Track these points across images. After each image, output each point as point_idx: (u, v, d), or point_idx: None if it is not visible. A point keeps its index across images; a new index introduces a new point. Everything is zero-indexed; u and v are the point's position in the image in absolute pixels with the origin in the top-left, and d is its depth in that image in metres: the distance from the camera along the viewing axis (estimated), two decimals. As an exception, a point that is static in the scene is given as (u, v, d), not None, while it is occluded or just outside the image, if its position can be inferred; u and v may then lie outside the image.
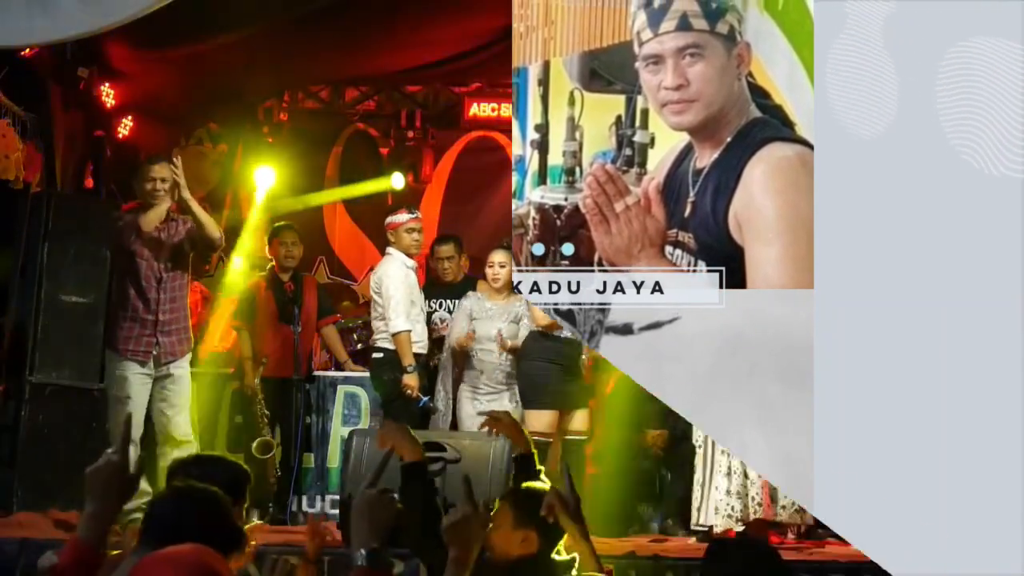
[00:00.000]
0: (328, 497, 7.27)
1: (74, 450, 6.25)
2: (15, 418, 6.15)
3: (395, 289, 6.52)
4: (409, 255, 6.74)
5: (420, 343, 6.62)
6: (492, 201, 9.42)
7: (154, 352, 6.02)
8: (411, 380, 6.43)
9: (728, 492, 5.83)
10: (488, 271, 6.57)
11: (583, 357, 6.53)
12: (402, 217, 6.81)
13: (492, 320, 6.47)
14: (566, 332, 6.31)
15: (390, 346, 6.53)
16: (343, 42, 8.07)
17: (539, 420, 6.25)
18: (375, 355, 6.70)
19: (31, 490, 6.05)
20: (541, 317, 6.24)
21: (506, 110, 9.14)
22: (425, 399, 6.49)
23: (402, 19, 7.78)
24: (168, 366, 6.05)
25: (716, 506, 5.86)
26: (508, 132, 9.44)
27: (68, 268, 6.38)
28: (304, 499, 7.29)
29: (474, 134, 9.52)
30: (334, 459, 7.32)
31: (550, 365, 6.33)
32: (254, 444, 6.74)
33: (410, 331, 6.47)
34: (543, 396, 6.31)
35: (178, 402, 6.07)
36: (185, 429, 6.09)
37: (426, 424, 6.36)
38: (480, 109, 9.16)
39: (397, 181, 9.10)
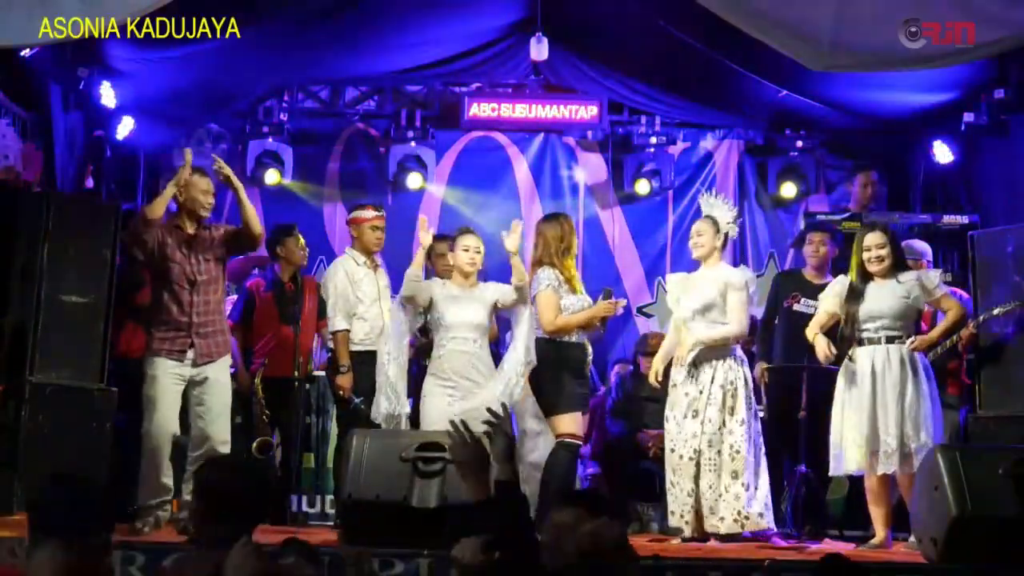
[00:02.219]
0: (327, 497, 7.27)
1: (74, 450, 6.25)
2: (15, 418, 6.15)
3: (334, 289, 6.60)
4: (370, 252, 6.76)
5: (369, 341, 6.59)
6: (492, 201, 9.42)
7: (190, 354, 5.99)
8: (343, 380, 6.48)
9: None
10: (463, 255, 6.28)
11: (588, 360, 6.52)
12: (368, 213, 6.82)
13: (461, 306, 6.19)
14: (573, 337, 6.28)
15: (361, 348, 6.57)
16: (343, 42, 8.09)
17: (563, 423, 6.12)
18: (328, 354, 6.77)
19: (31, 490, 6.05)
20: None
21: (506, 110, 9.16)
22: (358, 400, 6.42)
23: (402, 19, 7.80)
24: (205, 368, 6.00)
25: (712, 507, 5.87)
26: (508, 132, 9.54)
27: (68, 268, 6.38)
28: (304, 499, 7.29)
29: (474, 134, 9.52)
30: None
31: (562, 370, 6.20)
32: (254, 444, 6.74)
33: (346, 331, 6.52)
34: (564, 400, 6.16)
35: (216, 407, 5.99)
36: (223, 436, 5.99)
37: (361, 423, 6.18)
38: (480, 109, 9.16)
39: (414, 181, 9.13)
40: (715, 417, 5.91)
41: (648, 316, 9.29)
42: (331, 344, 7.47)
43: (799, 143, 9.11)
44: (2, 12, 5.64)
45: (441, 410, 5.91)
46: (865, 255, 6.05)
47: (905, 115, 8.31)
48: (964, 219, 7.69)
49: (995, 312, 6.34)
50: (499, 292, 6.26)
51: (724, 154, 9.54)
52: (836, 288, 6.19)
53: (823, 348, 6.04)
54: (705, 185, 9.21)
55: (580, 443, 6.26)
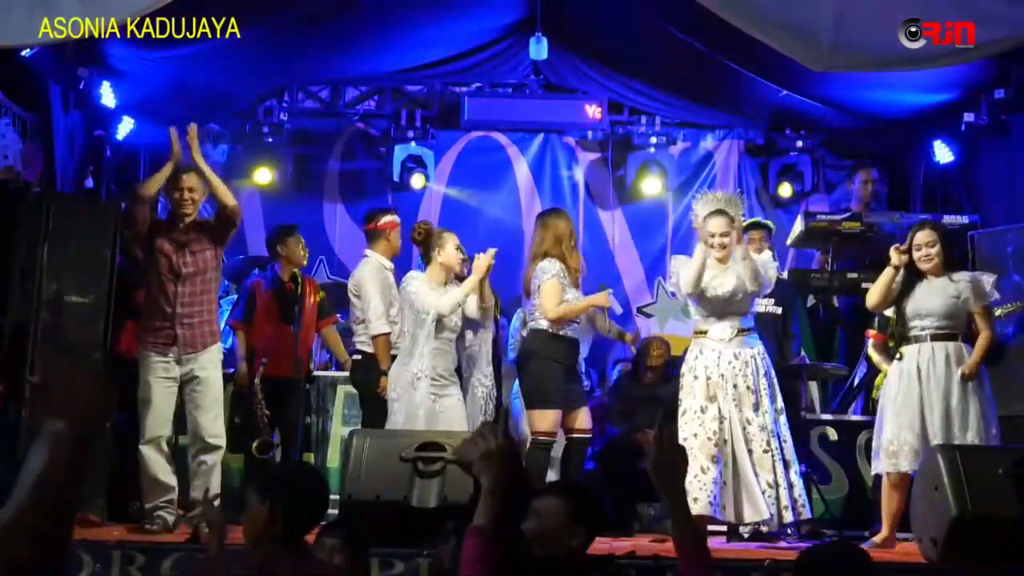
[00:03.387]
0: (328, 497, 7.26)
1: (74, 450, 6.25)
2: (15, 418, 6.15)
3: (374, 292, 6.48)
4: (393, 256, 6.74)
5: (397, 345, 6.49)
6: (492, 201, 9.43)
7: (175, 348, 6.05)
8: (387, 383, 6.38)
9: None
10: (457, 254, 6.25)
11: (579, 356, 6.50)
12: (397, 219, 6.80)
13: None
14: (567, 331, 6.27)
15: (368, 348, 6.48)
16: (343, 42, 8.09)
17: (544, 420, 6.12)
18: (354, 357, 6.67)
19: (31, 490, 6.04)
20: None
21: (506, 110, 9.16)
22: None
23: (402, 19, 7.80)
24: (194, 364, 6.06)
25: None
26: (508, 132, 9.54)
27: (68, 268, 6.39)
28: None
29: (474, 134, 9.53)
30: (334, 459, 7.32)
31: (554, 364, 6.20)
32: (254, 444, 6.74)
33: (389, 334, 6.44)
34: (548, 396, 6.15)
35: (205, 403, 6.07)
36: (214, 430, 6.07)
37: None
38: (480, 109, 9.16)
39: (415, 181, 9.14)
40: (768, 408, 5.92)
41: (648, 316, 9.29)
42: (331, 343, 7.51)
43: (799, 143, 9.12)
44: (2, 12, 5.65)
45: (427, 412, 5.96)
46: (916, 253, 6.01)
47: (905, 115, 8.31)
48: (964, 219, 7.68)
49: (997, 313, 6.33)
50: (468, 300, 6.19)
51: (724, 154, 9.55)
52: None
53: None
54: (706, 185, 9.21)
55: (553, 440, 6.24)
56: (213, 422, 6.10)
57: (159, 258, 6.14)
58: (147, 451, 6.00)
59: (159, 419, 6.04)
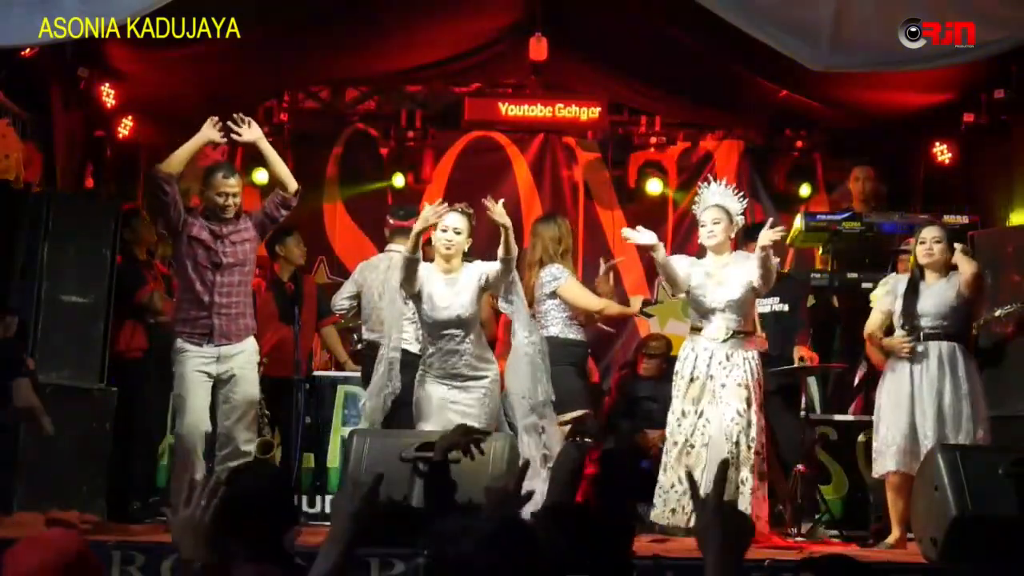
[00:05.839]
0: (328, 497, 7.27)
1: (74, 450, 6.26)
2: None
3: None
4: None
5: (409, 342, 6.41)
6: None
7: (211, 338, 5.84)
8: None
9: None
10: (440, 236, 5.74)
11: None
12: None
13: (446, 298, 5.74)
14: (578, 335, 6.26)
15: (411, 348, 6.17)
16: (343, 42, 8.08)
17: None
18: (395, 354, 6.19)
19: (31, 490, 6.06)
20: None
21: (506, 110, 9.15)
22: None
23: (402, 19, 7.80)
24: (231, 365, 5.87)
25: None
26: (508, 132, 9.53)
27: (68, 268, 6.39)
28: (304, 499, 7.30)
29: (474, 134, 9.52)
30: (334, 459, 7.33)
31: (568, 368, 6.21)
32: (254, 444, 6.73)
33: None
34: (572, 398, 6.16)
35: (240, 405, 5.87)
36: (247, 436, 5.90)
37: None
38: (480, 109, 9.14)
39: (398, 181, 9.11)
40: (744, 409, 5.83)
41: (649, 316, 9.28)
42: (330, 343, 7.53)
43: (799, 143, 9.11)
44: (2, 12, 5.65)
45: (437, 400, 5.76)
46: (920, 247, 6.03)
47: (905, 115, 8.30)
48: (964, 219, 7.68)
49: (997, 314, 6.34)
50: (485, 268, 5.81)
51: (724, 154, 9.53)
52: (888, 287, 6.15)
53: (894, 346, 6.02)
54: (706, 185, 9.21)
55: (589, 441, 6.23)
56: (247, 428, 5.92)
57: (195, 247, 5.90)
58: (187, 450, 5.77)
59: (199, 417, 5.82)
